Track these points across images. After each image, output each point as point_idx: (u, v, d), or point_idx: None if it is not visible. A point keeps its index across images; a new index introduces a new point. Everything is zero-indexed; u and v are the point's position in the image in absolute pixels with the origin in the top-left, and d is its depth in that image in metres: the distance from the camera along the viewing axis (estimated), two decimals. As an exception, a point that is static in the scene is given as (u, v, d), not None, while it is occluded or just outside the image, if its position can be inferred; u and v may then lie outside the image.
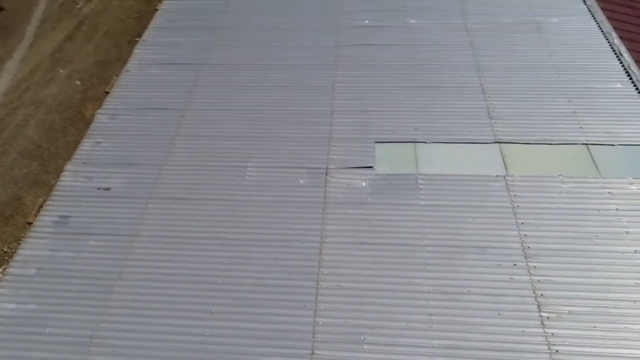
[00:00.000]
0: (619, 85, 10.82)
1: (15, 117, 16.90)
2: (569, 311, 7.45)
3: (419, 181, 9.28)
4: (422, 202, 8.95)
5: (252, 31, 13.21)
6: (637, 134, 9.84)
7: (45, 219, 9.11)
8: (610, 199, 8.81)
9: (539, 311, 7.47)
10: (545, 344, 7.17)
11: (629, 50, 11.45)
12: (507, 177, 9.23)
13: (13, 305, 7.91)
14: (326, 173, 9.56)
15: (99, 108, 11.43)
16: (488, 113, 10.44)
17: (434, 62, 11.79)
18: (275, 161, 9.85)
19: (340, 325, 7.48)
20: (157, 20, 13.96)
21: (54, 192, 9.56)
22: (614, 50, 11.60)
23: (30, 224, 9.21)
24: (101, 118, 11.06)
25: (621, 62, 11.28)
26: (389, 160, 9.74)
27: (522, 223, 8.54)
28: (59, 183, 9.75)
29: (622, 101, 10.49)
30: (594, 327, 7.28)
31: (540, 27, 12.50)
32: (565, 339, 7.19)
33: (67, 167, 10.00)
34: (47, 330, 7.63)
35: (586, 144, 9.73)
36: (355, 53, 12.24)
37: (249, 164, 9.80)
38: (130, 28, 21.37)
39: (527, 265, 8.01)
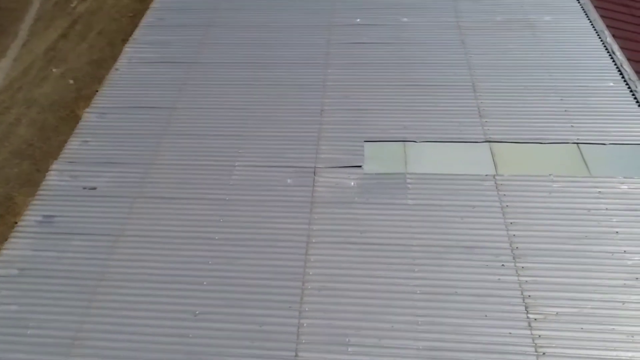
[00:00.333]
0: (611, 84, 10.72)
1: (8, 116, 16.80)
2: (557, 312, 7.35)
3: (408, 180, 9.18)
4: (410, 202, 8.85)
5: (243, 29, 13.11)
6: (628, 132, 9.74)
7: (30, 218, 9.02)
8: (600, 198, 8.71)
9: (527, 312, 7.38)
10: (532, 346, 7.07)
11: (622, 48, 11.34)
12: (496, 177, 9.13)
13: (-5, 306, 7.82)
14: (314, 172, 9.46)
15: (91, 107, 11.37)
16: (479, 111, 10.34)
17: (425, 61, 11.69)
18: (263, 160, 9.75)
19: (325, 327, 7.38)
20: (147, 18, 13.87)
21: (39, 192, 9.47)
22: (606, 49, 11.49)
23: (16, 223, 9.13)
24: (89, 117, 10.96)
25: (614, 61, 11.18)
26: (378, 159, 9.65)
27: (511, 223, 8.45)
28: (44, 182, 9.66)
29: (614, 100, 10.39)
30: (582, 328, 7.18)
31: (533, 25, 12.40)
32: (552, 341, 7.09)
33: (54, 166, 9.91)
34: (29, 331, 7.53)
35: (577, 143, 9.63)
36: (346, 51, 12.14)
37: (237, 163, 9.71)
38: (125, 27, 21.22)
39: (515, 265, 7.91)
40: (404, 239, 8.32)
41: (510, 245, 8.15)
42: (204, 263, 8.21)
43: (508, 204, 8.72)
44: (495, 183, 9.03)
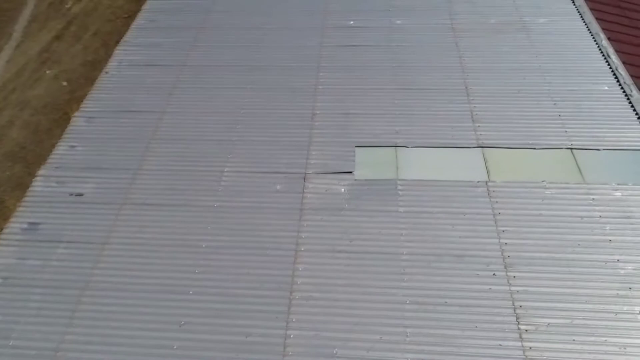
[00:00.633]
0: (606, 88, 10.57)
1: (1, 118, 16.70)
2: (548, 323, 7.21)
3: (399, 187, 9.04)
4: (400, 209, 8.71)
5: (235, 31, 12.97)
6: (623, 138, 9.59)
7: (15, 225, 8.89)
8: (594, 205, 8.57)
9: (517, 323, 7.23)
10: (523, 358, 6.93)
11: (618, 51, 11.18)
12: (489, 183, 8.99)
13: (-24, 317, 7.68)
14: (304, 178, 9.32)
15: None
16: (471, 116, 10.20)
17: (418, 64, 11.54)
18: (252, 165, 9.61)
19: (312, 338, 7.24)
20: (139, 20, 13.73)
21: (25, 199, 9.33)
22: (601, 52, 11.34)
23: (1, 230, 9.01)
24: (78, 121, 10.82)
25: (609, 64, 11.02)
26: (369, 164, 9.51)
27: (503, 231, 8.31)
28: (30, 188, 9.52)
29: (608, 104, 10.24)
30: (573, 340, 7.04)
31: (528, 28, 12.25)
32: (543, 353, 6.95)
33: (40, 171, 9.77)
34: (11, 342, 7.39)
35: (571, 149, 9.49)
36: (338, 54, 12.00)
37: (226, 169, 9.57)
38: (120, 28, 21.06)
39: (506, 275, 7.77)
40: (393, 247, 8.18)
41: (502, 254, 8.01)
42: (190, 272, 8.07)
43: (500, 211, 8.58)
44: (488, 190, 8.89)
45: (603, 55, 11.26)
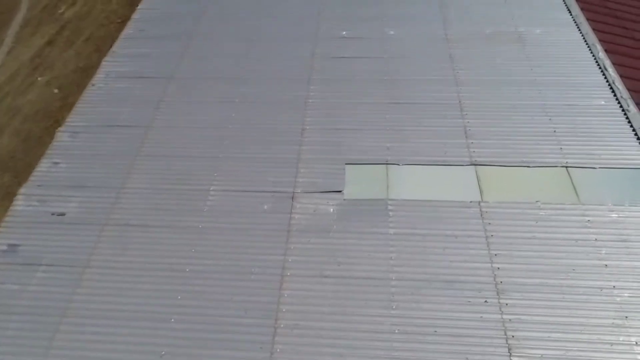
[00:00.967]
0: (603, 102, 10.30)
1: (-9, 126, 16.46)
2: (541, 355, 6.96)
3: (389, 207, 8.79)
4: (390, 231, 8.45)
5: (225, 41, 12.70)
6: (619, 155, 9.32)
7: (-6, 248, 8.63)
8: (589, 227, 8.31)
9: (510, 355, 6.99)
10: (515, 391, 6.69)
11: (615, 64, 10.90)
12: (481, 203, 8.73)
13: (-51, 346, 7.43)
14: (292, 197, 9.06)
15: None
16: (465, 132, 9.93)
17: (411, 76, 11.26)
18: (239, 184, 9.35)
19: (297, 369, 7.00)
20: (127, 30, 13.46)
21: (4, 219, 9.07)
22: (598, 64, 11.06)
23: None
24: (62, 136, 10.56)
25: (605, 77, 10.74)
26: (359, 183, 9.25)
27: (496, 255, 8.05)
28: (11, 208, 9.26)
29: (605, 120, 9.96)
30: (567, 373, 6.79)
31: (523, 39, 11.98)
32: (535, 386, 6.71)
33: (21, 190, 9.51)
34: (-15, 373, 7.15)
35: (566, 167, 9.22)
36: (329, 66, 11.72)
37: (212, 188, 9.31)
38: (113, 33, 20.85)
39: (499, 302, 7.51)
40: (382, 272, 7.93)
41: (494, 279, 7.76)
42: (173, 298, 7.82)
43: (493, 233, 8.32)
44: (480, 210, 8.63)
45: (600, 68, 10.98)
